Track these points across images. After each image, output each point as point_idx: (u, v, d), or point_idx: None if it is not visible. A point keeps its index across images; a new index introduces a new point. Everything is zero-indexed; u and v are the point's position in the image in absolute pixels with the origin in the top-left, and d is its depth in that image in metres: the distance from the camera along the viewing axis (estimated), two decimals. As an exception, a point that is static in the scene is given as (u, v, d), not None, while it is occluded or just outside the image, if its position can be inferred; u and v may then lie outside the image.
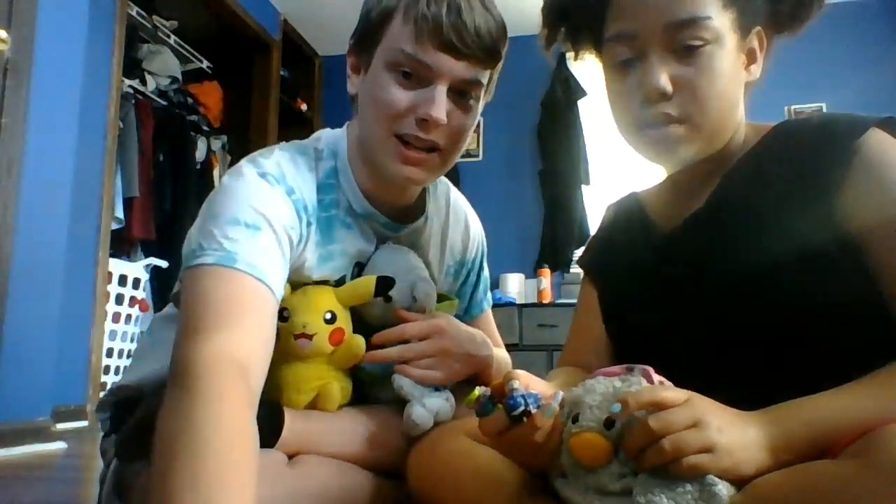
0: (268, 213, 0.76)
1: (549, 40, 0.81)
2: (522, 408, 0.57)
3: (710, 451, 0.52)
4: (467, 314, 1.08)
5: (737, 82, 0.70)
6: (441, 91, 0.79)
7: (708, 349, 0.69)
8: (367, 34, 0.83)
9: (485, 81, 0.84)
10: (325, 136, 0.91)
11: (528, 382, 0.63)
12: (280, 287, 0.76)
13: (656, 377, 0.60)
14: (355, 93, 0.88)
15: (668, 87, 0.66)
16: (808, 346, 0.63)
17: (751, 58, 0.72)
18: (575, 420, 0.59)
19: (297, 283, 0.84)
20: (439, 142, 0.82)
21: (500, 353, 1.02)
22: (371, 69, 0.83)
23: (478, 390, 0.62)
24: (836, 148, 0.64)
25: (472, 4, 0.79)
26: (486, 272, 1.11)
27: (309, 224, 0.83)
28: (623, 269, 0.83)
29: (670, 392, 0.55)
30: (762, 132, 0.74)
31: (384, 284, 0.85)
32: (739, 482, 0.53)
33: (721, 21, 0.66)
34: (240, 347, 0.66)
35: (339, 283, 0.88)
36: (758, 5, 0.70)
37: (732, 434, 0.53)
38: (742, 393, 0.58)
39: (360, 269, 0.90)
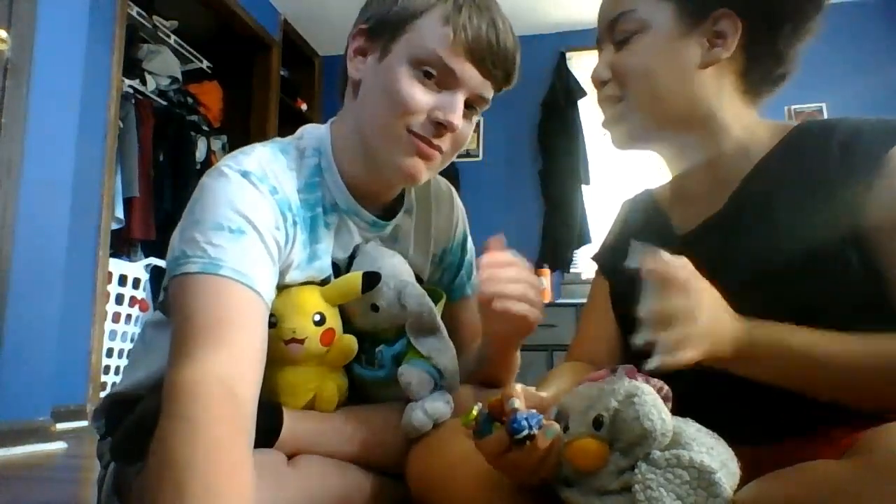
0: (252, 216, 0.74)
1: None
2: (526, 431, 0.55)
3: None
4: (449, 299, 1.03)
5: (680, 64, 0.72)
6: (461, 99, 0.80)
7: None
8: (392, 21, 0.81)
9: (490, 98, 0.85)
10: (308, 133, 0.90)
11: (526, 396, 0.62)
12: (270, 291, 0.75)
13: (640, 376, 0.60)
14: (359, 78, 0.85)
15: (604, 74, 0.77)
16: None
17: (717, 39, 0.72)
18: (566, 429, 0.59)
19: (282, 285, 0.82)
20: (444, 147, 0.82)
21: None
22: (389, 58, 0.81)
23: (475, 409, 0.61)
24: (865, 158, 0.65)
25: (505, 27, 0.82)
26: (469, 255, 1.06)
27: (294, 223, 0.81)
28: (636, 266, 0.83)
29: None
30: (780, 133, 0.74)
31: (370, 280, 0.84)
32: (741, 475, 0.53)
33: (649, 11, 0.72)
34: (227, 366, 0.65)
35: (324, 282, 0.87)
36: None
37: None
38: (751, 392, 0.58)
39: (336, 268, 0.88)
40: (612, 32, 0.76)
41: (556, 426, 0.57)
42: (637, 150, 0.81)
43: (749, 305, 0.66)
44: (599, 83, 0.78)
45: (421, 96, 0.79)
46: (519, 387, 0.63)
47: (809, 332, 0.60)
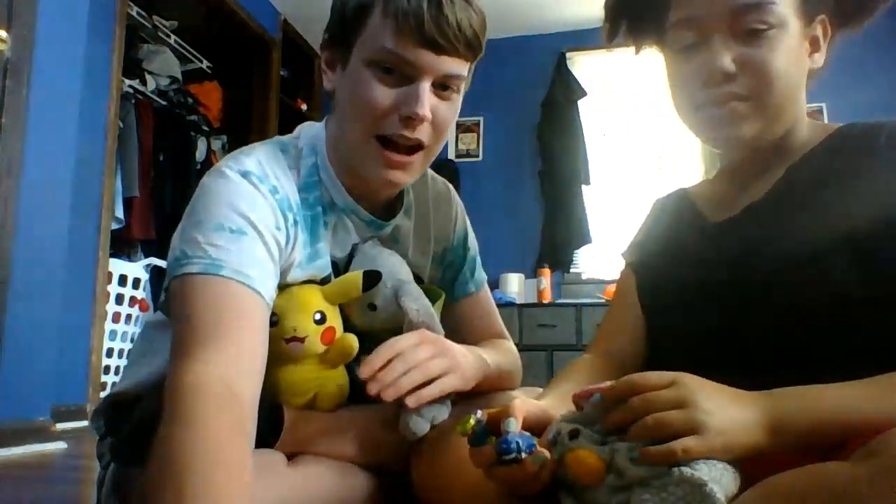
0: (252, 217, 0.74)
1: (612, 34, 0.83)
2: (514, 454, 0.56)
3: (698, 432, 0.52)
4: (450, 298, 1.02)
5: (800, 68, 0.72)
6: (424, 87, 0.77)
7: (752, 334, 0.69)
8: (344, 28, 0.81)
9: (466, 73, 0.82)
10: (305, 132, 0.89)
11: (527, 411, 0.62)
12: (271, 292, 0.75)
13: None
14: (332, 89, 0.86)
15: (732, 68, 0.68)
16: (854, 341, 0.63)
17: (814, 46, 0.73)
18: (575, 435, 0.58)
19: (283, 284, 0.82)
20: (424, 140, 0.80)
21: (501, 359, 0.96)
22: (350, 65, 0.81)
23: (472, 419, 0.61)
24: None
25: None
26: (471, 251, 1.05)
27: (295, 223, 0.81)
28: (667, 256, 0.83)
29: (653, 376, 0.56)
30: (825, 131, 0.75)
31: (371, 279, 0.83)
32: (744, 478, 0.53)
33: (785, 6, 0.68)
34: (227, 367, 0.65)
35: (325, 281, 0.87)
36: None
37: (724, 415, 0.53)
38: (776, 380, 0.58)
39: (335, 267, 0.88)
40: (736, 20, 0.68)
41: (546, 454, 0.57)
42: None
43: (783, 291, 0.66)
44: (722, 77, 0.69)
45: (383, 95, 0.77)
46: (518, 403, 0.62)
47: (837, 389, 0.56)
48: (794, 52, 0.69)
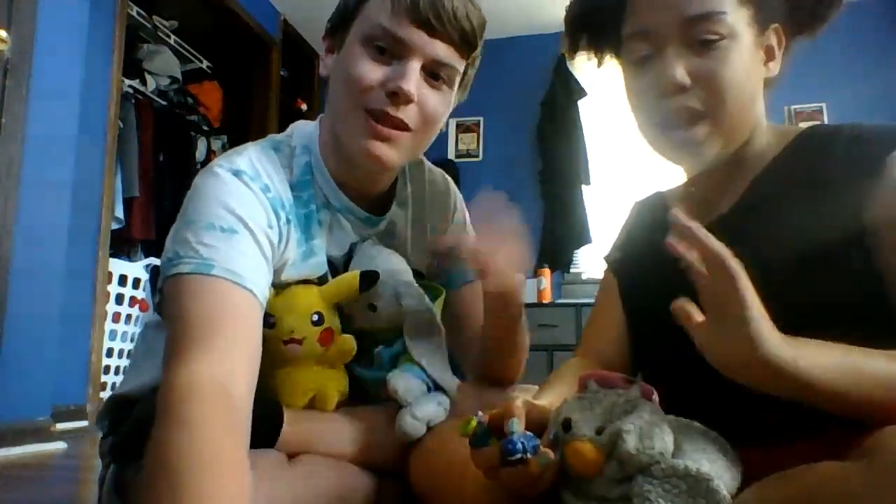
0: (244, 215, 0.74)
1: (573, 49, 0.83)
2: (519, 455, 0.56)
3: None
4: (452, 286, 1.02)
5: (755, 78, 0.71)
6: (413, 67, 0.78)
7: None
8: (345, 14, 0.83)
9: (459, 68, 0.83)
10: (298, 131, 0.90)
11: (528, 409, 0.62)
12: (263, 290, 0.74)
13: (655, 397, 0.60)
14: (328, 74, 0.87)
15: (685, 80, 0.68)
16: None
17: (769, 54, 0.73)
18: (569, 427, 0.58)
19: (279, 283, 0.82)
20: (408, 122, 0.80)
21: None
22: (345, 46, 0.82)
23: (474, 420, 0.61)
24: (868, 160, 0.65)
25: None
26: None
27: (288, 221, 0.81)
28: (645, 265, 0.83)
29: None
30: (787, 136, 0.74)
31: (368, 279, 0.84)
32: (748, 476, 0.53)
33: (736, 16, 0.68)
34: (220, 365, 0.64)
35: (322, 281, 0.87)
36: (775, 2, 0.71)
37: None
38: (760, 394, 0.58)
39: (332, 266, 0.88)
40: (688, 31, 0.68)
41: (550, 454, 0.57)
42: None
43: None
44: (676, 88, 0.68)
45: (371, 70, 0.78)
46: (521, 402, 0.62)
47: (845, 350, 0.56)
48: (747, 62, 0.69)
